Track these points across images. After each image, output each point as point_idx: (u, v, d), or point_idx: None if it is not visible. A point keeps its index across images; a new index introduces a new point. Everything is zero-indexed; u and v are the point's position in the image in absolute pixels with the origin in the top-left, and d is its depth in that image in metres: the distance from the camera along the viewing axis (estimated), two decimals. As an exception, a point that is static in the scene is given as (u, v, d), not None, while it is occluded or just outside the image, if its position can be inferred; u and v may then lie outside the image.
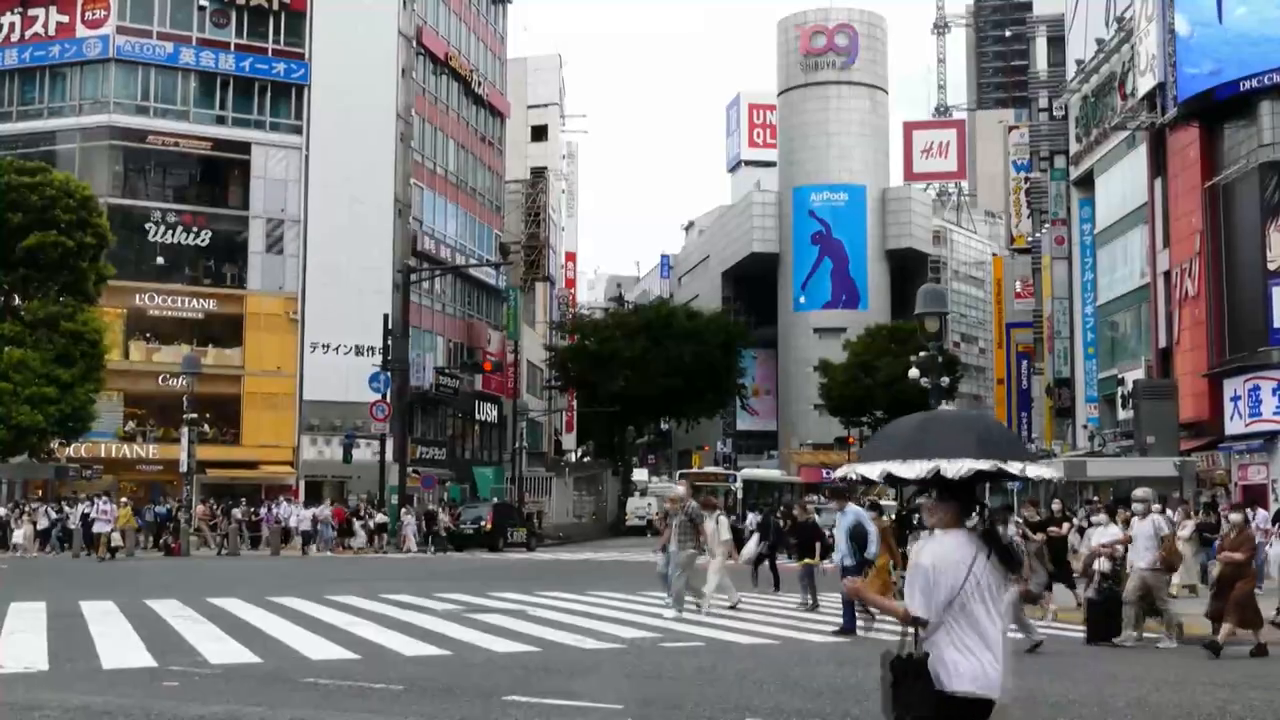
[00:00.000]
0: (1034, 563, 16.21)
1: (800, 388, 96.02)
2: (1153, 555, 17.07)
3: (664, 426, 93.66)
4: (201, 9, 60.47)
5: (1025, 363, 69.36)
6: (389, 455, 50.87)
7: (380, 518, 49.04)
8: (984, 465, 5.65)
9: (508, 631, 17.33)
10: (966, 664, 5.60)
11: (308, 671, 13.51)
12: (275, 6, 60.92)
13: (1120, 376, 49.80)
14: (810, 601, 22.12)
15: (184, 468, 46.58)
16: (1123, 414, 48.38)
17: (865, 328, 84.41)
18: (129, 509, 41.25)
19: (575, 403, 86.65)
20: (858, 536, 18.68)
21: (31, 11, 60.15)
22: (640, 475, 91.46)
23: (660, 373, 73.08)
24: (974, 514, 5.92)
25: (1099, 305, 54.61)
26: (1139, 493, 17.92)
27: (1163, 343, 46.65)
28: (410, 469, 55.42)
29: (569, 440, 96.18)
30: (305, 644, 15.94)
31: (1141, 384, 44.76)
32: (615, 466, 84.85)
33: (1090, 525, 21.07)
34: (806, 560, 23.16)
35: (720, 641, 16.85)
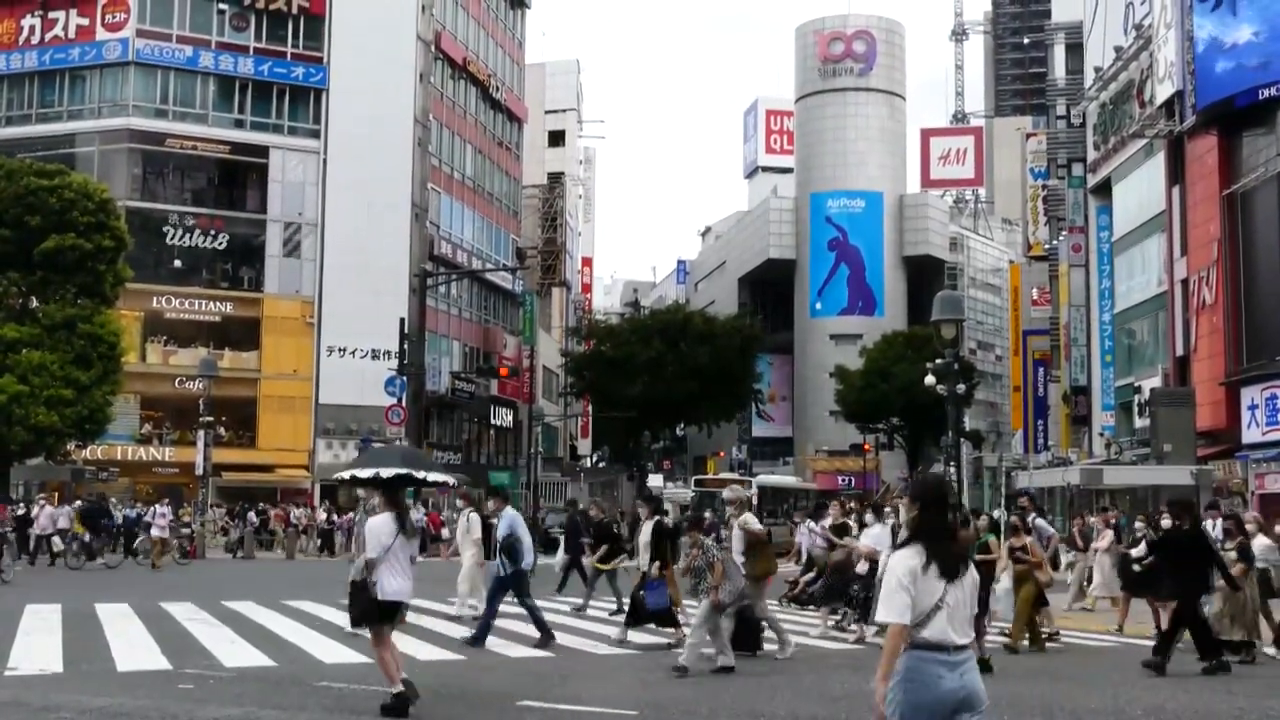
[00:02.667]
0: (730, 569, 15.25)
1: (816, 394, 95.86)
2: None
3: (679, 432, 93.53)
4: (221, 13, 60.72)
5: (1042, 370, 69.17)
6: (404, 459, 50.85)
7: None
8: (403, 471, 11.70)
9: (522, 636, 17.32)
10: (392, 584, 11.12)
11: (322, 675, 13.52)
12: (294, 10, 61.12)
13: (1137, 384, 49.64)
14: (582, 605, 22.12)
15: (200, 470, 46.68)
16: (1139, 422, 48.21)
17: (882, 334, 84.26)
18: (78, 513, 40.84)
19: (591, 408, 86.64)
20: (508, 547, 16.87)
21: (52, 14, 60.43)
22: (655, 481, 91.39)
23: (676, 377, 73.03)
24: (406, 503, 11.95)
25: (1116, 313, 54.44)
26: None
27: (1180, 351, 46.48)
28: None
29: (584, 445, 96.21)
30: (319, 648, 15.96)
31: (1158, 392, 44.58)
32: (630, 472, 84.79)
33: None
34: (598, 564, 22.56)
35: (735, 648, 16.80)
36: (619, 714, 11.45)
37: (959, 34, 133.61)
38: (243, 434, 58.37)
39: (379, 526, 11.20)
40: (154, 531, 35.75)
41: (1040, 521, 22.68)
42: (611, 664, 15.06)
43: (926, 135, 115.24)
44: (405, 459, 12.36)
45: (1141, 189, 51.24)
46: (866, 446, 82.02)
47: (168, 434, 57.87)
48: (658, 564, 16.66)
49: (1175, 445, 39.39)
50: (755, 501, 62.41)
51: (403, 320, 52.42)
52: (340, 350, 59.10)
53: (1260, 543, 17.55)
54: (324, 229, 60.20)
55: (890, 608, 6.01)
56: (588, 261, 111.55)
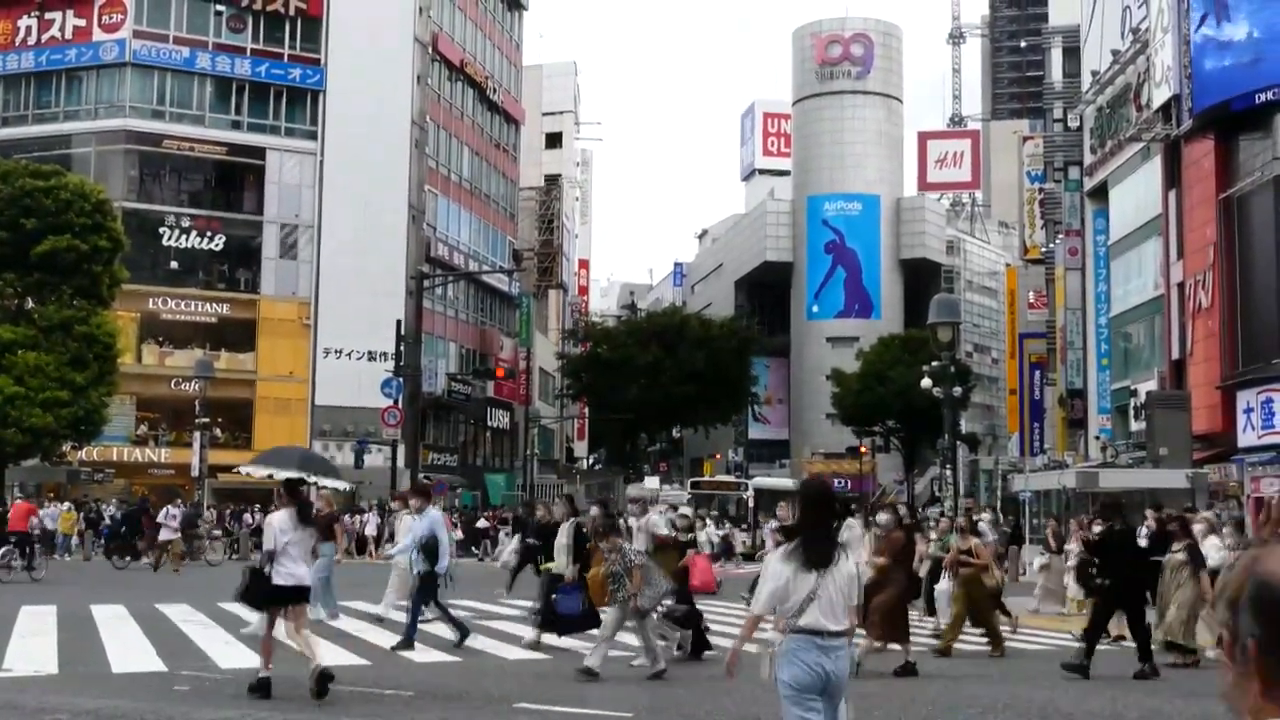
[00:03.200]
0: (650, 574, 14.87)
1: (812, 397, 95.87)
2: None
3: (676, 434, 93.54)
4: (218, 14, 60.71)
5: (1038, 373, 69.15)
6: (400, 461, 50.87)
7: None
8: (295, 474, 12.94)
9: (519, 638, 17.31)
10: (288, 572, 12.13)
11: (318, 677, 13.49)
12: (291, 12, 61.10)
13: (1133, 388, 49.64)
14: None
15: (196, 472, 46.65)
16: (1135, 425, 48.21)
17: (878, 337, 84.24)
18: (72, 512, 40.83)
19: (588, 410, 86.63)
20: (428, 547, 16.52)
21: (48, 15, 60.39)
22: (652, 483, 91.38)
23: (673, 380, 73.02)
24: (307, 501, 13.11)
25: (1112, 316, 54.45)
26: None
27: (1176, 354, 46.49)
28: (422, 475, 55.40)
29: (581, 447, 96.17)
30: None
31: (1154, 395, 44.58)
32: (627, 474, 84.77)
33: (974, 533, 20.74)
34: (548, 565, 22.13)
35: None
36: (616, 716, 11.45)
37: (956, 37, 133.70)
38: (239, 435, 58.31)
39: (278, 521, 12.38)
40: (163, 534, 35.41)
41: (983, 525, 22.67)
42: (609, 667, 15.05)
43: (923, 138, 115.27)
44: (302, 463, 13.94)
45: (1138, 193, 51.26)
46: (863, 449, 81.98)
47: (164, 435, 57.85)
48: (576, 567, 16.19)
49: (1171, 449, 39.40)
50: (752, 504, 62.64)
51: (399, 322, 52.40)
52: (337, 352, 59.08)
53: (1210, 544, 17.58)
54: (321, 231, 60.19)
55: (757, 599, 7.14)
56: (584, 264, 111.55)
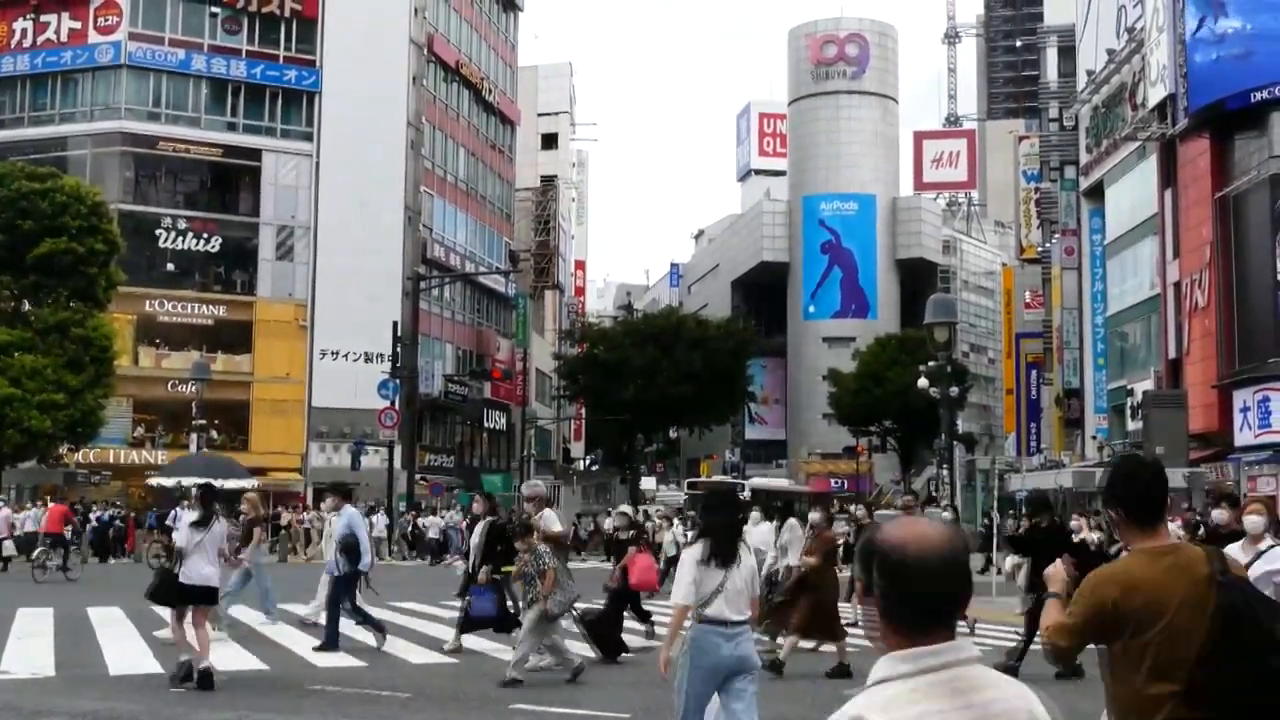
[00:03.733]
0: (562, 578, 13.85)
1: (809, 397, 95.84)
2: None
3: (673, 435, 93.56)
4: (213, 16, 60.68)
5: (1034, 373, 69.16)
6: (397, 462, 50.86)
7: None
8: (202, 480, 15.18)
9: (514, 639, 17.28)
10: (196, 571, 12.70)
11: (315, 679, 13.52)
12: (287, 14, 61.10)
13: (1129, 387, 49.68)
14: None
15: (193, 474, 46.53)
16: (1132, 424, 48.26)
17: (875, 337, 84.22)
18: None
19: (584, 411, 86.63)
20: (348, 547, 16.23)
21: (44, 18, 60.35)
22: (648, 484, 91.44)
23: (670, 381, 73.03)
24: (211, 503, 13.47)
25: (1109, 316, 54.49)
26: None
27: (1172, 353, 46.53)
28: (418, 476, 55.41)
29: (578, 448, 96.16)
30: (312, 651, 15.93)
31: (1151, 395, 44.59)
32: (624, 475, 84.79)
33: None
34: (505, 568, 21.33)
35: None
36: (611, 717, 11.46)
37: (951, 37, 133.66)
38: (236, 437, 58.29)
39: (187, 522, 13.35)
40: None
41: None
42: (604, 668, 15.05)
43: (919, 138, 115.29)
44: (207, 468, 16.51)
45: (1134, 192, 51.30)
46: (860, 449, 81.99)
47: (160, 437, 57.79)
48: (488, 568, 15.83)
49: (1167, 448, 39.37)
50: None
51: (396, 323, 52.37)
52: (333, 353, 59.07)
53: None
54: (317, 232, 60.17)
55: (678, 591, 7.81)
56: (581, 264, 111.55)
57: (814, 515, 17.40)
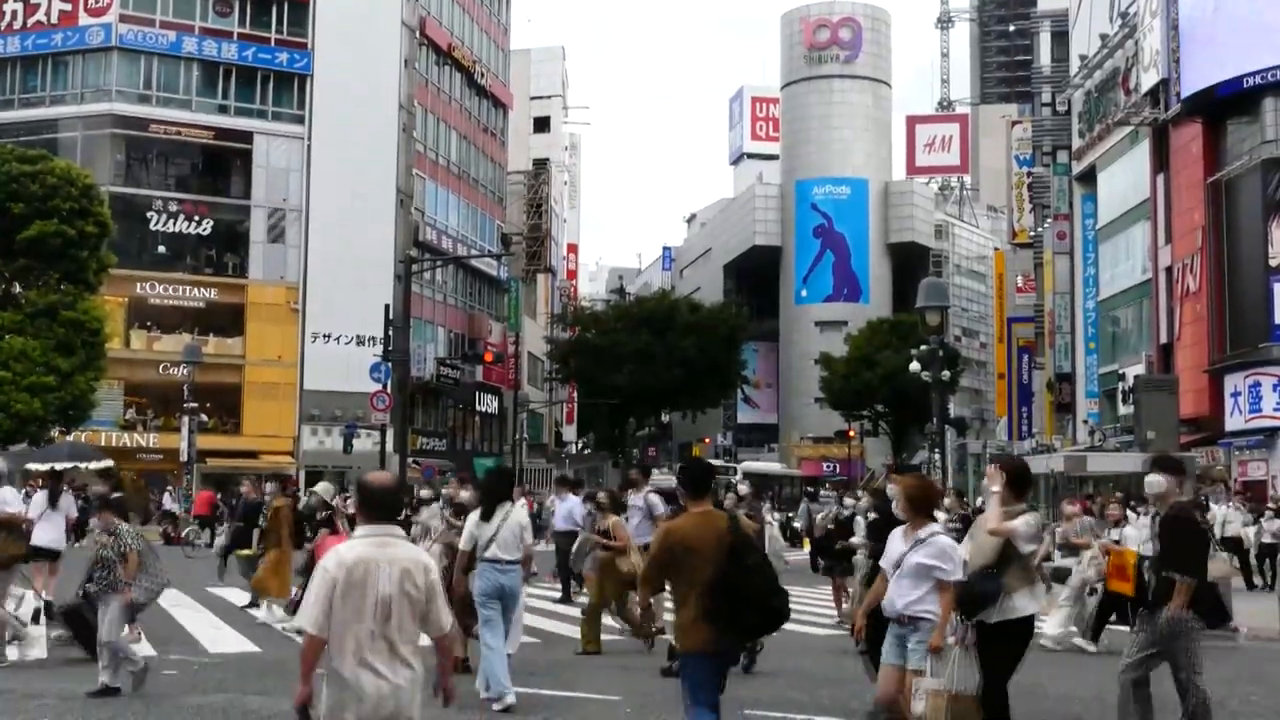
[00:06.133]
0: (149, 562, 12.33)
1: (801, 381, 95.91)
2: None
3: (664, 418, 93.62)
4: (204, -2, 60.42)
5: (1026, 357, 69.30)
6: (389, 446, 50.81)
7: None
8: (68, 464, 18.60)
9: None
10: (43, 535, 15.75)
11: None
12: (278, -4, 60.87)
13: (1121, 372, 49.80)
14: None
15: (184, 457, 46.55)
16: (1123, 409, 48.39)
17: (867, 321, 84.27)
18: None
19: (576, 394, 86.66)
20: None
21: (34, -1, 60.09)
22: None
23: (662, 365, 73.04)
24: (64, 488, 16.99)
25: (1100, 300, 54.59)
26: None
27: (1164, 338, 46.66)
28: (410, 460, 55.36)
29: (570, 432, 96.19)
30: (297, 633, 15.89)
31: (1142, 379, 44.71)
32: (616, 458, 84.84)
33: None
34: (242, 551, 20.05)
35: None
36: (604, 699, 11.49)
37: (945, 21, 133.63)
38: (227, 420, 58.20)
39: (39, 501, 17.12)
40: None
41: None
42: (598, 654, 15.06)
43: (912, 122, 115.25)
44: (71, 454, 20.03)
45: (1126, 177, 51.37)
46: (851, 433, 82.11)
47: (152, 421, 57.68)
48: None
49: (1159, 433, 39.50)
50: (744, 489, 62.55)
51: (388, 306, 52.27)
52: (325, 336, 59.00)
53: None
54: (308, 215, 60.03)
55: (465, 539, 11.64)
56: (573, 248, 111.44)
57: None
